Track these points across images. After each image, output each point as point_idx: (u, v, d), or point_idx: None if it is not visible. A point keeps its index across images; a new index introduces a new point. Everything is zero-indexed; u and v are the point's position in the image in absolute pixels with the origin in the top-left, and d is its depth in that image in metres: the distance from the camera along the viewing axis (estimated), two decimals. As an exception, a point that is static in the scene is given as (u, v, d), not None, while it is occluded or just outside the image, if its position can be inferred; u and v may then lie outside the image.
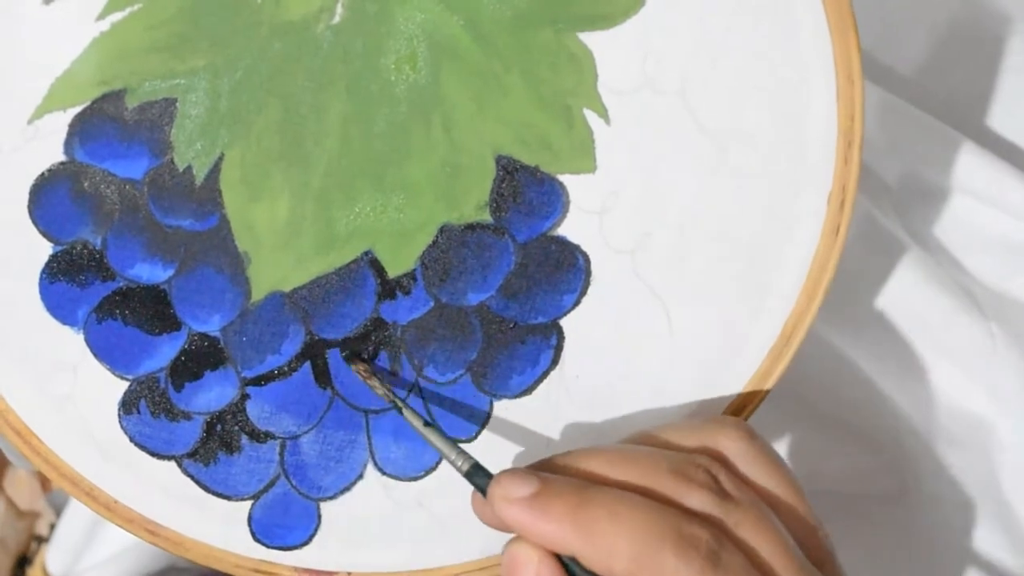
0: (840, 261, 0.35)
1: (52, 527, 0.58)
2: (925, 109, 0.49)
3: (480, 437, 0.36)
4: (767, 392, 0.36)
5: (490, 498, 0.31)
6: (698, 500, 0.31)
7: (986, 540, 0.47)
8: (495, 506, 0.30)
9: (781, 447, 0.52)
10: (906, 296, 0.48)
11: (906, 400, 0.48)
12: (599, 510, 0.30)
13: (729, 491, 0.31)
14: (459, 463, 0.32)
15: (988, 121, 0.50)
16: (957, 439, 0.47)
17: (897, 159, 0.50)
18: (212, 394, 0.36)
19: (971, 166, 0.48)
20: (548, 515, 0.30)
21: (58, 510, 0.53)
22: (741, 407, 0.36)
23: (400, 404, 0.34)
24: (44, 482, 0.55)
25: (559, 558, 0.30)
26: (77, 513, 0.55)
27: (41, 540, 0.60)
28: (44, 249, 0.34)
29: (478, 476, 0.32)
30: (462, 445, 0.36)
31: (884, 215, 0.49)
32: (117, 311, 0.35)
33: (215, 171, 0.34)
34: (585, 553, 0.29)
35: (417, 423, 0.33)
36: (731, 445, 0.33)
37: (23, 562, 0.60)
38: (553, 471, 0.32)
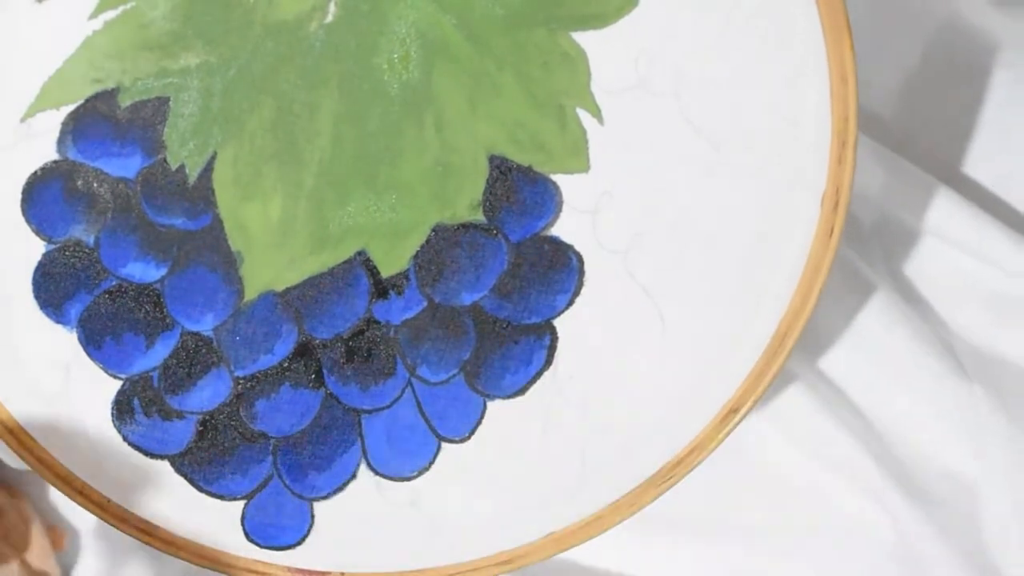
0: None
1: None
2: (905, 156, 0.49)
3: (473, 438, 0.36)
4: (761, 392, 0.36)
5: None
6: None
7: None
8: None
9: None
10: (887, 350, 0.47)
11: (889, 456, 0.48)
12: None
13: None
14: None
15: (968, 169, 0.50)
16: (941, 498, 0.47)
17: (877, 205, 0.49)
18: (205, 394, 0.36)
19: (950, 215, 0.48)
20: None
21: (67, 571, 0.53)
22: (735, 408, 0.36)
23: None
24: (55, 540, 0.55)
25: None
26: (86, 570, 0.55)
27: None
28: (37, 248, 0.34)
29: None
30: (455, 445, 0.36)
31: (863, 262, 0.48)
32: (110, 310, 0.35)
33: (208, 170, 0.34)
34: None
35: None
36: None
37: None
38: None
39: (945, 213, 0.48)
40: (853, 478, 0.47)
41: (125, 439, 0.36)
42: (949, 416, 0.47)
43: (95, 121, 0.33)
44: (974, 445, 0.47)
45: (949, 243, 0.48)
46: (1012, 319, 0.48)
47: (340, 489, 0.37)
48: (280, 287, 0.35)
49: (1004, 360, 0.48)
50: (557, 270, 0.35)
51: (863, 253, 0.49)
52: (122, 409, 0.36)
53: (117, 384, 0.36)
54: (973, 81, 0.50)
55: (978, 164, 0.50)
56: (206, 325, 0.35)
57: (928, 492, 0.47)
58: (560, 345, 0.36)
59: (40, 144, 0.33)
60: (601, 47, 0.34)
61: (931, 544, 0.47)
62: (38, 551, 0.55)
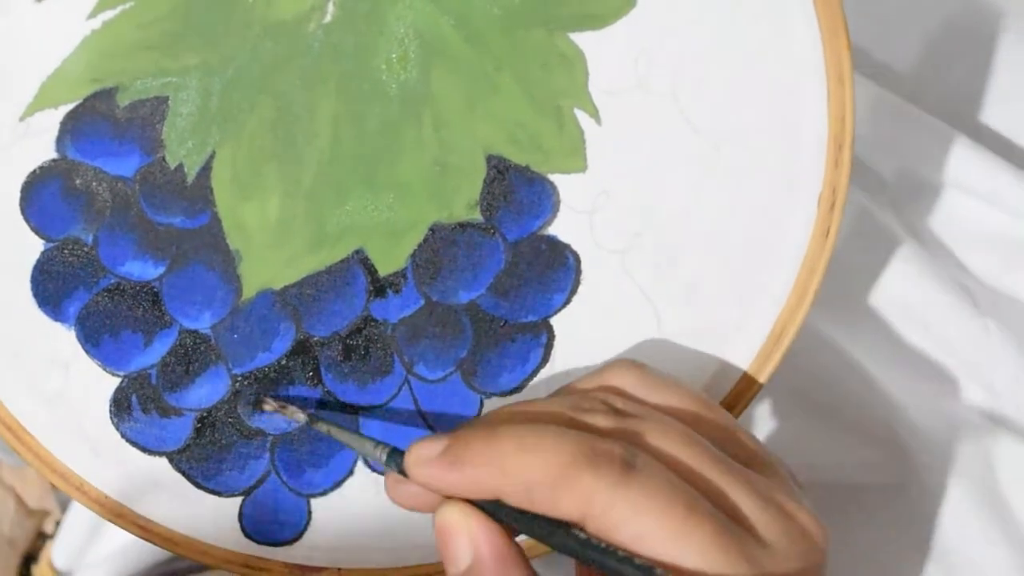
0: (837, 256, 0.36)
1: (58, 524, 0.58)
2: (920, 105, 0.49)
3: (470, 435, 0.36)
4: (756, 391, 0.37)
5: (406, 467, 0.30)
6: (600, 421, 0.31)
7: (983, 534, 0.47)
8: (412, 473, 0.30)
9: (779, 439, 0.52)
10: (903, 291, 0.48)
11: (904, 394, 0.48)
12: (508, 444, 0.29)
13: (628, 411, 0.31)
14: (379, 454, 0.32)
15: (983, 117, 0.51)
16: (954, 433, 0.48)
17: (893, 155, 0.50)
18: (203, 391, 0.36)
19: (966, 163, 0.48)
20: (461, 462, 0.29)
21: (65, 507, 0.53)
22: (730, 406, 0.37)
23: (313, 419, 0.35)
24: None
25: (486, 511, 0.30)
26: (82, 508, 0.55)
27: (46, 537, 0.60)
28: (35, 246, 0.34)
29: (399, 461, 0.31)
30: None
31: (880, 210, 0.49)
32: (108, 308, 0.35)
33: (206, 169, 0.34)
34: (504, 490, 0.29)
35: (335, 432, 0.34)
36: (623, 379, 0.33)
37: (28, 560, 0.60)
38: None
39: (956, 159, 0.48)
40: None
41: (123, 436, 0.36)
42: (962, 349, 0.47)
43: (94, 120, 0.33)
44: (986, 379, 0.47)
45: (959, 188, 0.49)
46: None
47: (337, 485, 0.37)
48: (278, 285, 0.35)
49: (1015, 299, 0.48)
50: (554, 269, 0.36)
51: (875, 198, 0.49)
52: (120, 406, 0.36)
53: (115, 381, 0.36)
54: (981, 46, 0.50)
55: (987, 119, 0.50)
56: (204, 323, 0.35)
57: (942, 425, 0.48)
58: (557, 343, 0.36)
59: (39, 143, 0.33)
60: (599, 48, 0.34)
61: (944, 476, 0.47)
62: (38, 490, 0.55)
